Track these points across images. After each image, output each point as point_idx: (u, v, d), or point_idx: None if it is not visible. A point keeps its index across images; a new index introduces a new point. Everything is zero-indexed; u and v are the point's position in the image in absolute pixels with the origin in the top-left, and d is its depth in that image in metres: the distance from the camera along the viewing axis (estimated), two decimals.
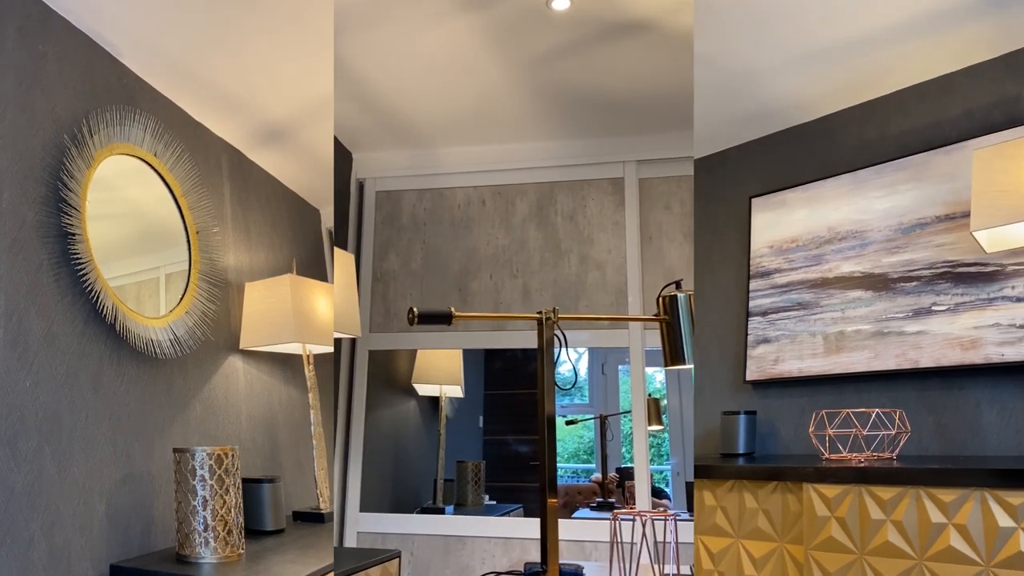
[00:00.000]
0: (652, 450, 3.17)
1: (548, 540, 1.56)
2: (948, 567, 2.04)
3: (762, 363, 3.19)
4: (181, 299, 2.64)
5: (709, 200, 3.52)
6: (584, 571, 1.78)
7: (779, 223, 3.26)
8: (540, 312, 1.65)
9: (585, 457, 3.43)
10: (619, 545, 1.61)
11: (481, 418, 3.52)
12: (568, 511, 3.31)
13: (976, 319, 2.66)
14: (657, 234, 3.28)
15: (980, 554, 2.00)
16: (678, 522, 1.65)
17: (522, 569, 1.75)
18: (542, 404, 1.61)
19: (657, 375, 3.32)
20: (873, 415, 2.62)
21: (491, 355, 3.42)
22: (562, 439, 3.30)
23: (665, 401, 3.34)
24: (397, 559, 2.55)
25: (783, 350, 3.15)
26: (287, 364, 3.30)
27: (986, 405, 2.65)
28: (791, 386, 3.13)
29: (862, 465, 2.28)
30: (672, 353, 1.79)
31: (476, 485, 3.35)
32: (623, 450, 3.29)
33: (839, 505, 2.27)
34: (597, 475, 3.36)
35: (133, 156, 2.50)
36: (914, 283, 2.85)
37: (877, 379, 2.91)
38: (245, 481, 2.64)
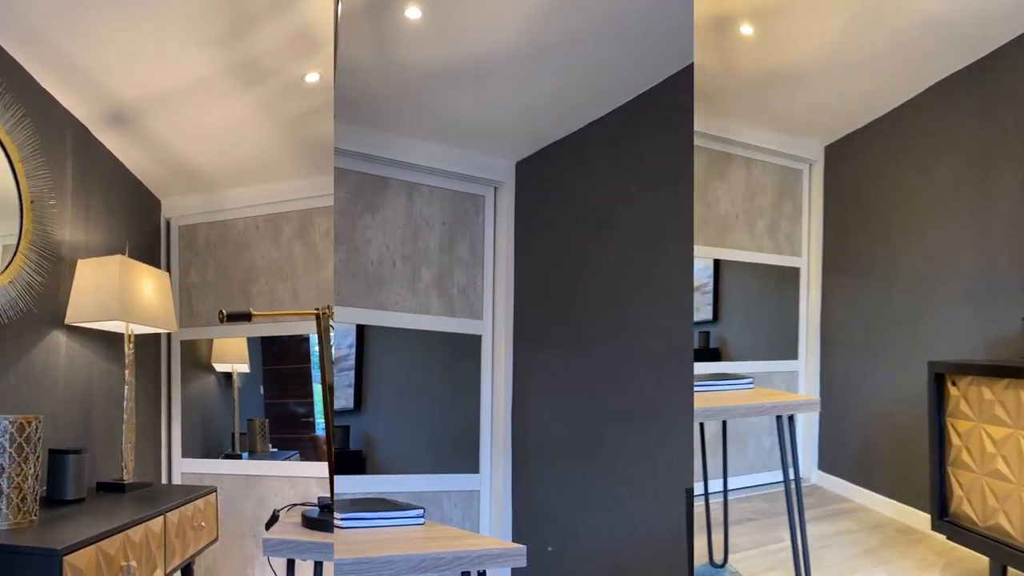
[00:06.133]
0: None
1: (333, 480, 1.86)
2: None
3: None
4: (6, 268, 2.37)
5: None
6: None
7: None
8: (317, 308, 1.95)
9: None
10: None
11: (262, 387, 4.06)
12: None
13: None
14: None
15: None
16: None
17: (316, 502, 1.93)
18: (324, 375, 1.91)
19: None
20: None
21: (268, 340, 3.95)
22: None
23: None
24: (215, 492, 3.01)
25: None
26: (110, 342, 3.13)
27: None
28: None
29: None
30: None
31: (263, 437, 3.93)
32: None
33: None
34: None
35: None
36: None
37: None
38: (52, 452, 2.49)
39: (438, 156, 3.64)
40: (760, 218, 4.31)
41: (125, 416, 2.82)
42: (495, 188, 3.90)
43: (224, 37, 2.59)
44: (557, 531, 3.45)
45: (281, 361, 4.08)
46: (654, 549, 2.91)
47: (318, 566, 1.70)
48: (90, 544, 1.96)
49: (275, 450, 4.00)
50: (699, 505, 3.66)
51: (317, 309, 1.94)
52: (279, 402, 4.09)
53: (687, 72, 2.89)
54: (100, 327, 2.90)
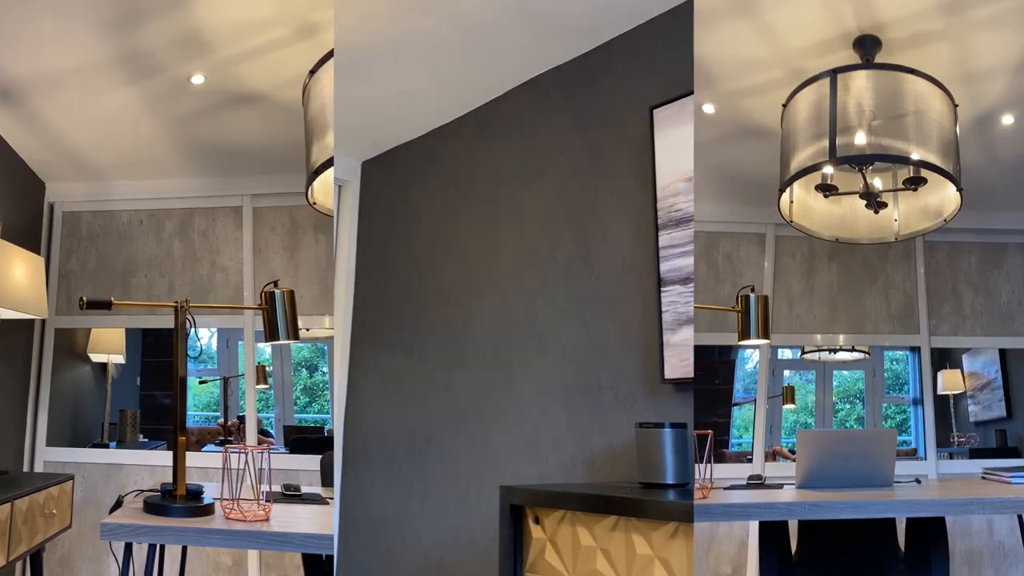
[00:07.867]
0: (260, 403, 3.73)
1: (177, 466, 1.91)
2: None
3: (687, 353, 2.11)
4: None
5: (587, 122, 2.40)
6: (203, 489, 2.00)
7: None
8: (176, 301, 1.99)
9: (215, 407, 3.98)
10: (229, 470, 1.85)
11: (139, 378, 4.10)
12: (199, 446, 3.91)
13: None
14: (265, 247, 3.73)
15: None
16: (272, 454, 1.90)
17: (159, 488, 1.96)
18: (176, 368, 1.96)
19: (266, 348, 3.80)
20: None
21: (147, 332, 3.99)
22: (199, 394, 4.04)
23: (270, 367, 3.87)
24: (71, 480, 2.94)
25: None
26: None
27: None
28: None
29: None
30: (270, 332, 2.19)
31: (133, 427, 3.94)
32: (240, 402, 3.82)
33: None
34: (221, 420, 3.94)
35: None
36: None
37: None
38: None
39: None
40: None
41: None
42: (339, 186, 3.90)
43: (116, 26, 2.58)
44: (385, 533, 3.50)
45: (158, 354, 4.10)
46: (475, 547, 3.00)
47: (152, 548, 1.72)
48: None
49: (145, 440, 3.97)
50: None
51: (176, 302, 1.97)
52: (153, 394, 4.11)
53: (532, 84, 3.00)
54: None
